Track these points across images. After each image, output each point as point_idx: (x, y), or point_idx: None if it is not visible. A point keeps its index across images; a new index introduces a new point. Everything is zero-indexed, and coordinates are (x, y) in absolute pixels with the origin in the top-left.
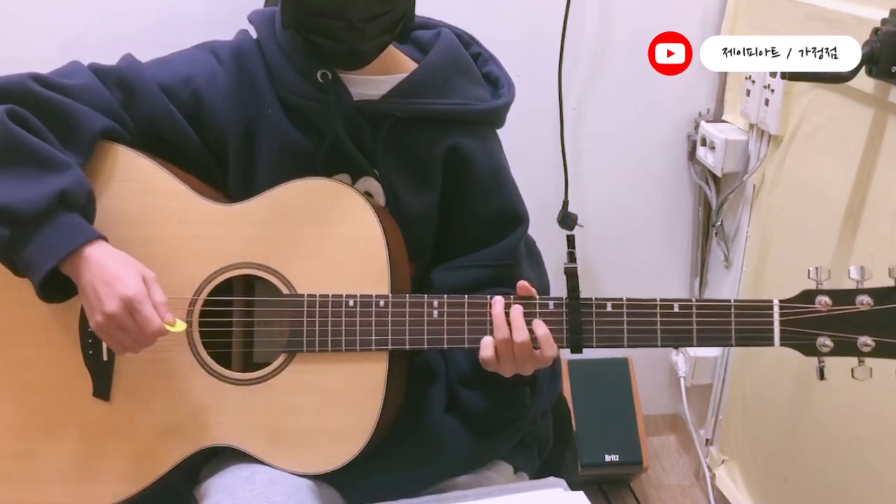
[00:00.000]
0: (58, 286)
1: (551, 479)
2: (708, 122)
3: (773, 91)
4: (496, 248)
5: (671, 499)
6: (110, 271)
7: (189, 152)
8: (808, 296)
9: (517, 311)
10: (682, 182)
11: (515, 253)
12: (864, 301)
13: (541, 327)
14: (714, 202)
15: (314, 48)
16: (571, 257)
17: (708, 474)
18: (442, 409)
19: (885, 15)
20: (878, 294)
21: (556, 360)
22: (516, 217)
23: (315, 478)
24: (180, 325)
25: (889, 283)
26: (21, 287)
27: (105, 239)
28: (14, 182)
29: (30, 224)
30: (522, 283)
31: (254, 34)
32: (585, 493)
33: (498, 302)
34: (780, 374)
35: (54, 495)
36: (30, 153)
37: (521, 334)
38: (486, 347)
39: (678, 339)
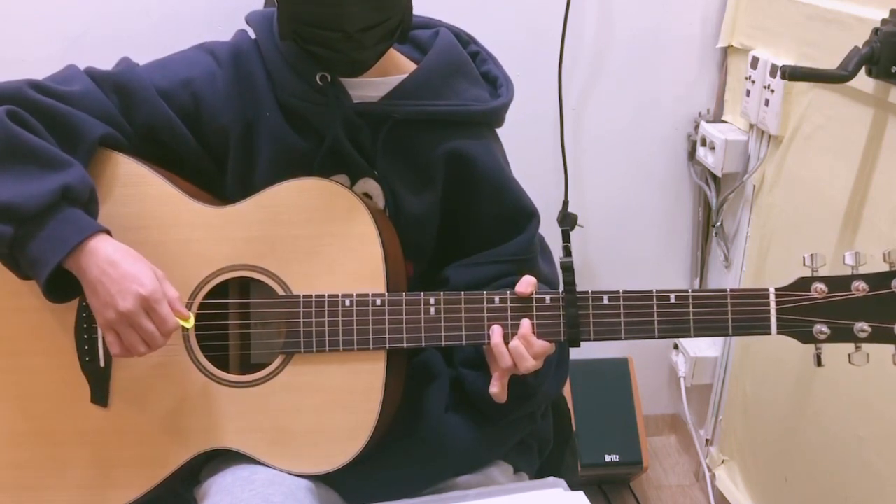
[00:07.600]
0: (64, 285)
1: (551, 479)
2: (708, 122)
3: (772, 91)
4: (513, 243)
5: (671, 499)
6: (123, 268)
7: (187, 156)
8: (803, 283)
9: (517, 344)
10: (682, 182)
11: (531, 247)
12: (860, 287)
13: (539, 345)
14: (714, 202)
15: (313, 55)
16: (567, 251)
17: (708, 474)
18: (443, 409)
19: (885, 15)
20: (874, 279)
21: (564, 346)
22: (528, 212)
23: (314, 478)
24: (191, 321)
25: (884, 268)
26: (16, 295)
27: (109, 233)
28: (16, 180)
29: (34, 220)
30: (525, 280)
31: (252, 35)
32: (585, 493)
33: (497, 332)
34: (780, 374)
35: (54, 503)
36: (31, 152)
37: (525, 363)
38: (494, 384)
39: (676, 330)
